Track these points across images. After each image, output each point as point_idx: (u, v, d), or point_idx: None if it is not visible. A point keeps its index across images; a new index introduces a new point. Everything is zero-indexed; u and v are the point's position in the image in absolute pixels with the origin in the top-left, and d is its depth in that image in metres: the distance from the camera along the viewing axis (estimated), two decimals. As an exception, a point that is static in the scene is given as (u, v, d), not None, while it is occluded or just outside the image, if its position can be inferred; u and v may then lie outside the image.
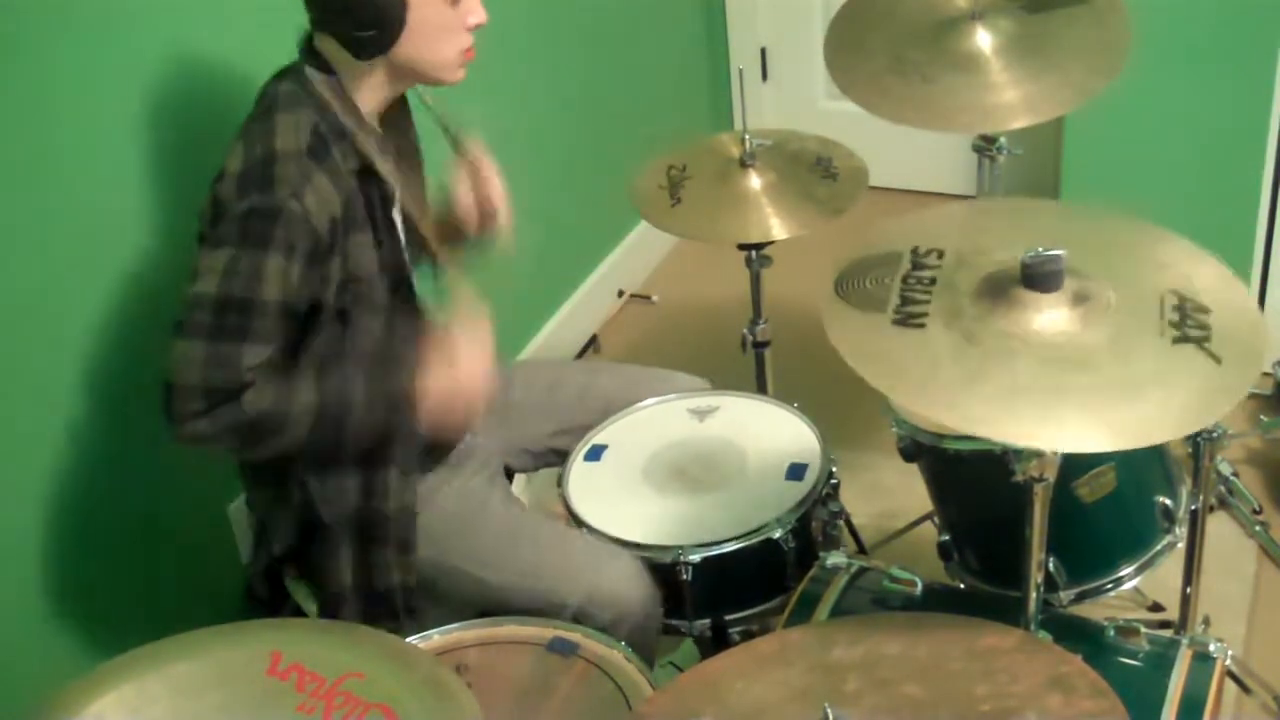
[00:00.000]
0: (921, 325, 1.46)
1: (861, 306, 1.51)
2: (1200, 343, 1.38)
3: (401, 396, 1.75)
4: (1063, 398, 1.36)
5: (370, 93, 1.79)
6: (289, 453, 1.75)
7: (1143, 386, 1.36)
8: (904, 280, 1.52)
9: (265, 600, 1.97)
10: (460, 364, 1.79)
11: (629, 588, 1.85)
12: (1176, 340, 1.39)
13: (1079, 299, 1.43)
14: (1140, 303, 1.44)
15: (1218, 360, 1.37)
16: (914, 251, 1.56)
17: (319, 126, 1.72)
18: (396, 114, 1.89)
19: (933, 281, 1.51)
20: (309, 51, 1.77)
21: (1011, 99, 2.06)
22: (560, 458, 2.12)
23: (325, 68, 1.75)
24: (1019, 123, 2.06)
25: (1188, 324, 1.41)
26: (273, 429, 1.69)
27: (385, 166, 1.79)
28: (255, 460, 1.85)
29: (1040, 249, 1.42)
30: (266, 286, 1.65)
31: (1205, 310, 1.43)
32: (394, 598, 1.88)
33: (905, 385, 1.42)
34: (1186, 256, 1.54)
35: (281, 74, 1.78)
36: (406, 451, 1.84)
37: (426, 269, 1.98)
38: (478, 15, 1.78)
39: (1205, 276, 1.50)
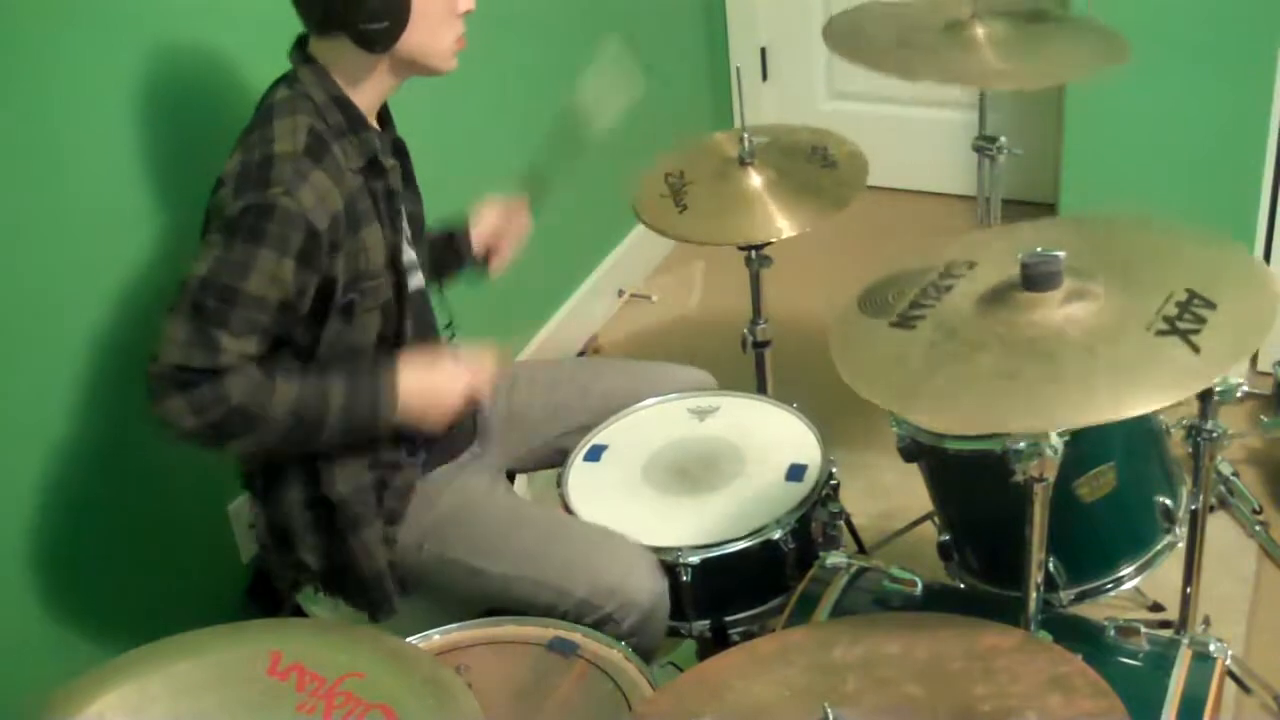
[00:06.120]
0: (914, 327, 1.46)
1: (870, 314, 1.52)
2: (1186, 335, 1.37)
3: (380, 398, 1.77)
4: (1013, 385, 1.36)
5: (371, 89, 1.80)
6: (256, 451, 1.78)
7: (1095, 373, 1.35)
8: (924, 289, 1.53)
9: (279, 601, 1.98)
10: (443, 371, 1.84)
11: (635, 577, 1.84)
12: (1161, 332, 1.38)
13: (1073, 296, 1.43)
14: (1141, 299, 1.44)
15: (1195, 350, 1.36)
16: (948, 265, 1.57)
17: (315, 127, 1.73)
18: (383, 116, 1.90)
19: (949, 289, 1.52)
20: (303, 56, 1.78)
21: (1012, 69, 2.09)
22: (561, 457, 2.12)
23: (321, 71, 1.77)
24: (1027, 84, 2.07)
25: (1183, 318, 1.40)
26: (248, 422, 1.69)
27: (389, 161, 1.82)
28: (237, 454, 1.86)
29: (1040, 249, 1.42)
30: (254, 279, 1.66)
31: (1211, 305, 1.42)
32: (383, 582, 1.90)
33: (867, 375, 1.44)
34: (1221, 255, 1.53)
35: (278, 82, 1.80)
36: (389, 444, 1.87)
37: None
38: (467, 2, 1.81)
39: (1233, 273, 1.49)
